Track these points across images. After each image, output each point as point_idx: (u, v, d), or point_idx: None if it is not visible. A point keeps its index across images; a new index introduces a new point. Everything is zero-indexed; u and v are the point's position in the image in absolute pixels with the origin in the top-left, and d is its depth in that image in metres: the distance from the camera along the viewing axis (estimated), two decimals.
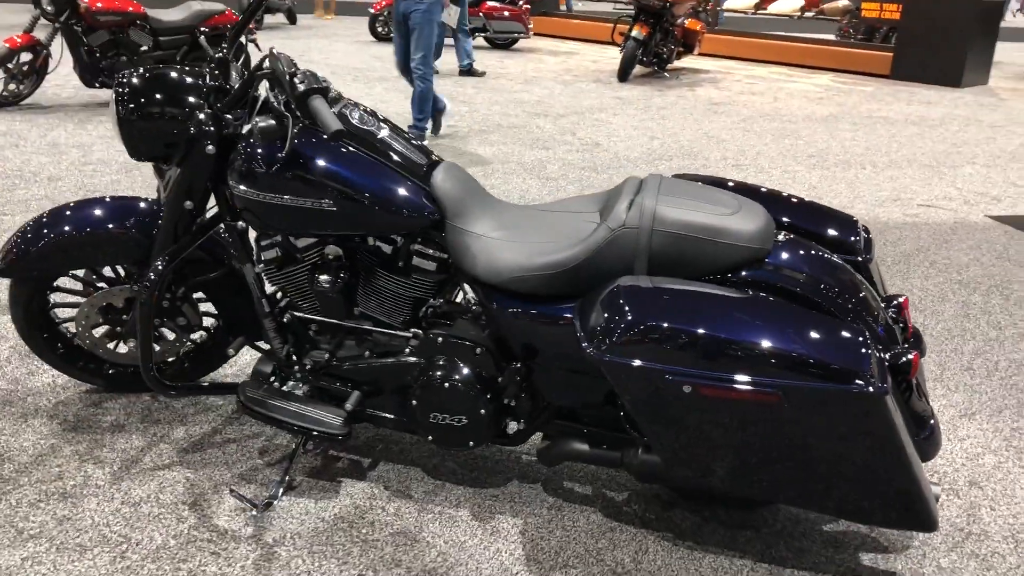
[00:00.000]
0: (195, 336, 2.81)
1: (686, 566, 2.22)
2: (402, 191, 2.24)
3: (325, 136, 2.24)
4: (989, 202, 5.80)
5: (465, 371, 2.31)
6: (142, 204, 2.65)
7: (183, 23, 7.75)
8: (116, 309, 2.72)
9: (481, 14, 12.71)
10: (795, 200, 2.40)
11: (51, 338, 2.76)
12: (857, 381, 1.84)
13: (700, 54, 12.42)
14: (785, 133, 7.84)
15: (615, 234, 2.09)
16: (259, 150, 2.23)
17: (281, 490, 2.40)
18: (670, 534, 2.33)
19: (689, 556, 2.25)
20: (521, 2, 13.16)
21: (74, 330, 2.77)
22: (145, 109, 2.36)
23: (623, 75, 10.61)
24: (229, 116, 2.36)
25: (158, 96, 2.36)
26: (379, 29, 13.55)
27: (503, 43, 13.60)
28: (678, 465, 2.07)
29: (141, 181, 5.47)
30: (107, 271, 2.76)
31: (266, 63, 2.23)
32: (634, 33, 10.45)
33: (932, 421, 2.16)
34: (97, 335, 2.77)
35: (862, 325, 2.02)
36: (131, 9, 7.46)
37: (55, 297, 2.78)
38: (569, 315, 2.16)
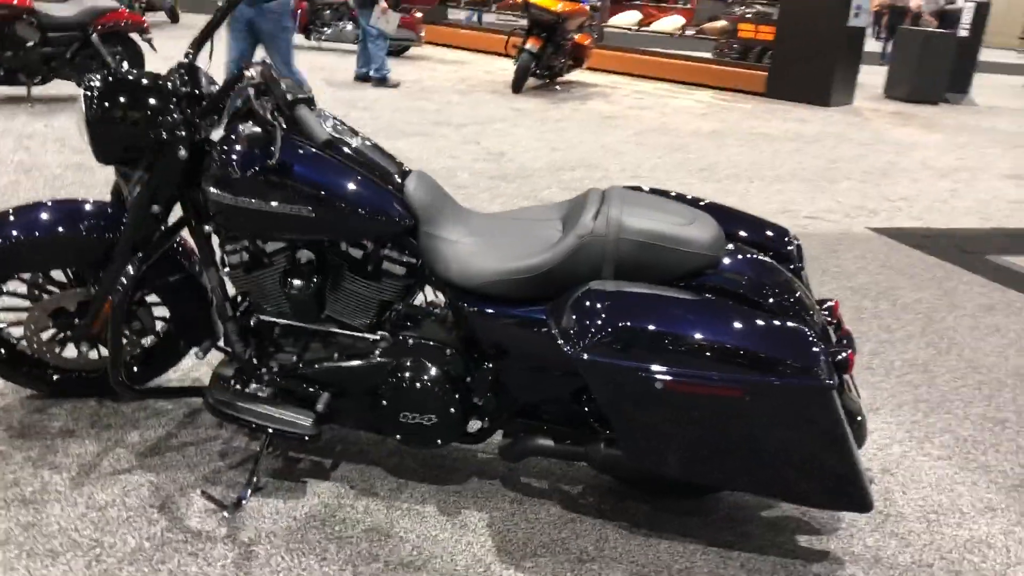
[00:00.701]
0: (144, 341, 2.80)
1: (644, 551, 2.38)
2: (379, 198, 2.32)
3: (299, 144, 2.30)
4: (868, 215, 6.26)
5: (435, 372, 2.40)
6: (89, 207, 2.63)
7: (74, 19, 7.47)
8: (67, 313, 2.68)
9: None
10: (730, 210, 2.61)
11: None
12: (810, 377, 2.05)
13: (588, 68, 12.79)
14: (675, 147, 8.20)
15: (584, 241, 2.24)
16: (236, 156, 2.27)
17: (249, 491, 2.43)
18: (626, 523, 2.49)
19: (646, 542, 2.42)
20: (413, 10, 13.23)
21: (19, 335, 2.72)
22: (116, 112, 2.36)
23: (517, 86, 10.82)
24: (199, 121, 2.38)
25: (129, 100, 2.36)
26: None
27: (394, 50, 13.61)
28: (642, 457, 2.23)
29: (43, 182, 5.28)
30: (55, 274, 2.71)
31: (249, 72, 2.27)
32: (528, 46, 10.68)
33: (860, 417, 2.39)
34: (44, 339, 2.71)
35: (807, 326, 2.23)
36: (16, 2, 7.15)
37: None
38: (540, 317, 2.29)
